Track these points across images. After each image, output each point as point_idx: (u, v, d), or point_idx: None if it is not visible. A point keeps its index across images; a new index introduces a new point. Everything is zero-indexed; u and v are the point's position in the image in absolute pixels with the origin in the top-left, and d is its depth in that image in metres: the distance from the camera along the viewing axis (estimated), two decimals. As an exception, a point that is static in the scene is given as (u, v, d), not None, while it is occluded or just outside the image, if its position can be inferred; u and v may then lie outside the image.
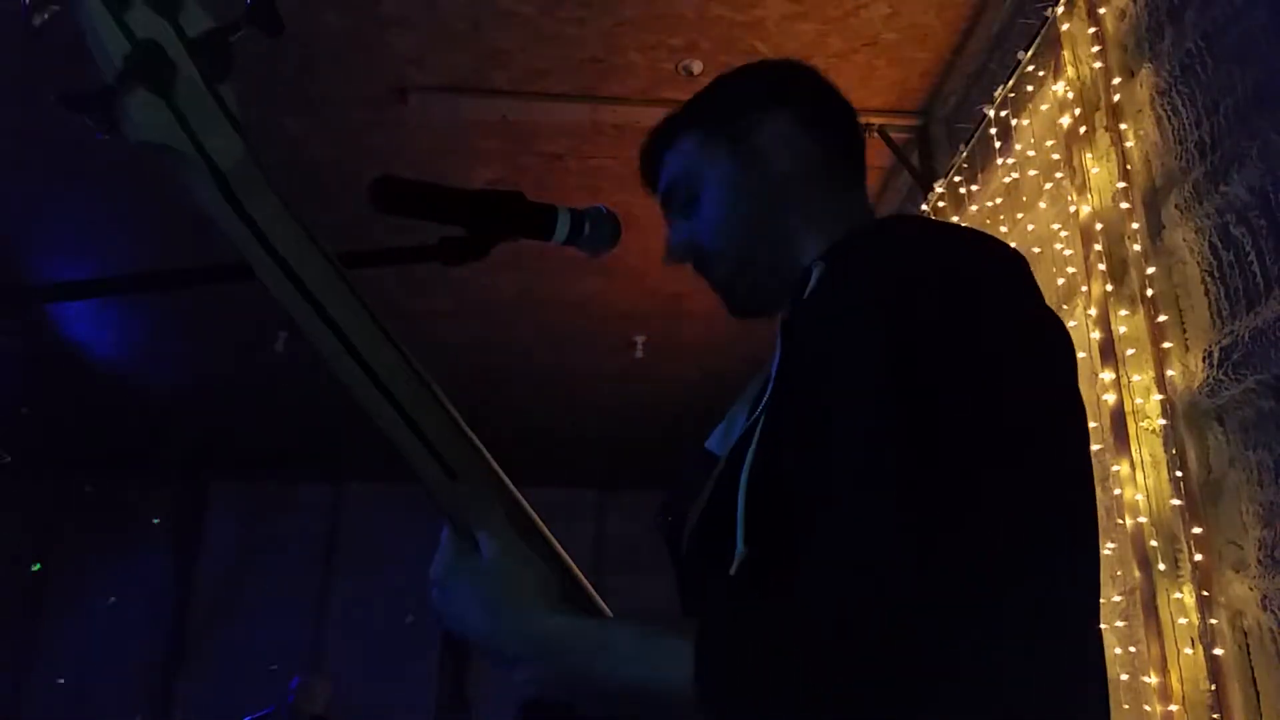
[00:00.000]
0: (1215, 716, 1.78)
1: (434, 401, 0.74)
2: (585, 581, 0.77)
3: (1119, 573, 2.20)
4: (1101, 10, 2.34)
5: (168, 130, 0.65)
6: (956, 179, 3.13)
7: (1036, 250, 2.68)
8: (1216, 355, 1.91)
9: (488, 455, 0.76)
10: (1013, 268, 0.77)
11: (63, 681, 6.41)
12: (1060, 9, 2.46)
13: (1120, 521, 2.11)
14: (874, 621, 0.59)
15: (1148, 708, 1.98)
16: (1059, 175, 2.53)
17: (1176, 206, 2.07)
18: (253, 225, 0.67)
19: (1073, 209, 2.38)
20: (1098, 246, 2.24)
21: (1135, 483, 2.04)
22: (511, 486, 0.77)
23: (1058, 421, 0.73)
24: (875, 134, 3.53)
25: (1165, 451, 2.02)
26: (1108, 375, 2.14)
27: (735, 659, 0.61)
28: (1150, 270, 2.09)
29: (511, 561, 0.73)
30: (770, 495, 0.73)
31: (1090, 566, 0.76)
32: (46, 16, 0.63)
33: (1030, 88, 2.67)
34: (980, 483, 0.64)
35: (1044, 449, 0.70)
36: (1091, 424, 2.33)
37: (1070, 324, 2.46)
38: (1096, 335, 2.21)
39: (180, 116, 0.65)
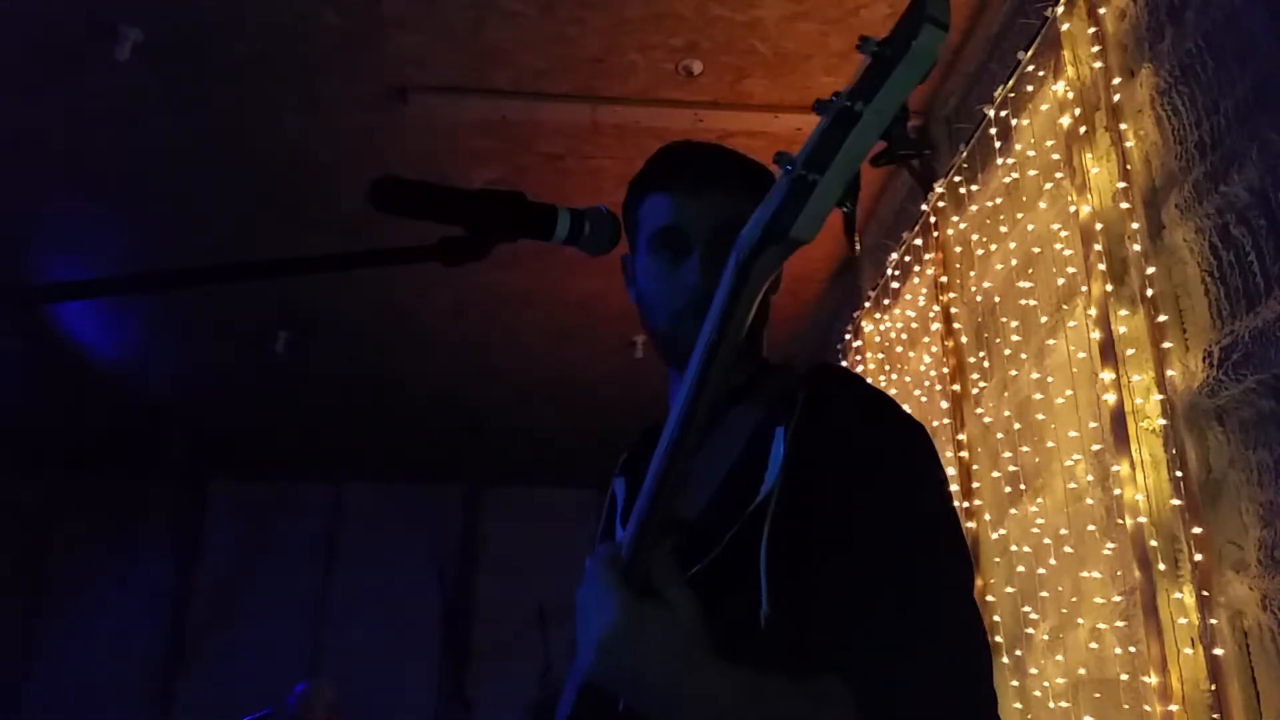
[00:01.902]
0: (1215, 716, 1.78)
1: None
2: None
3: (1119, 573, 2.20)
4: (1101, 10, 2.34)
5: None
6: (956, 179, 3.13)
7: (1036, 250, 2.68)
8: (1216, 355, 1.91)
9: None
10: None
11: (70, 680, 6.40)
12: (1060, 9, 2.46)
13: (1120, 521, 2.11)
14: (965, 685, 0.86)
15: (1148, 708, 1.98)
16: (1059, 175, 2.53)
17: (1176, 206, 2.07)
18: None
19: (1073, 209, 2.38)
20: (1098, 246, 2.24)
21: (1135, 483, 2.04)
22: None
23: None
24: (875, 134, 3.52)
25: (1165, 451, 2.02)
26: (1108, 375, 2.14)
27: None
28: (1150, 270, 2.09)
29: (703, 623, 0.81)
30: (785, 567, 0.90)
31: None
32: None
33: (1030, 88, 2.67)
34: (960, 568, 0.94)
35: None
36: (1091, 424, 2.33)
37: (1070, 324, 2.46)
38: (1096, 335, 2.21)
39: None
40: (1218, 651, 1.81)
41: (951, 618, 0.88)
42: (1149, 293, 2.08)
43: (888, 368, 3.92)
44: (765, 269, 0.76)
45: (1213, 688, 1.79)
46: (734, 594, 0.91)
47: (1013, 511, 2.79)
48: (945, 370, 3.22)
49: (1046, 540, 2.53)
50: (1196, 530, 1.88)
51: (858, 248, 0.77)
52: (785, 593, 0.90)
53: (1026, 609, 2.61)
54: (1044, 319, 2.63)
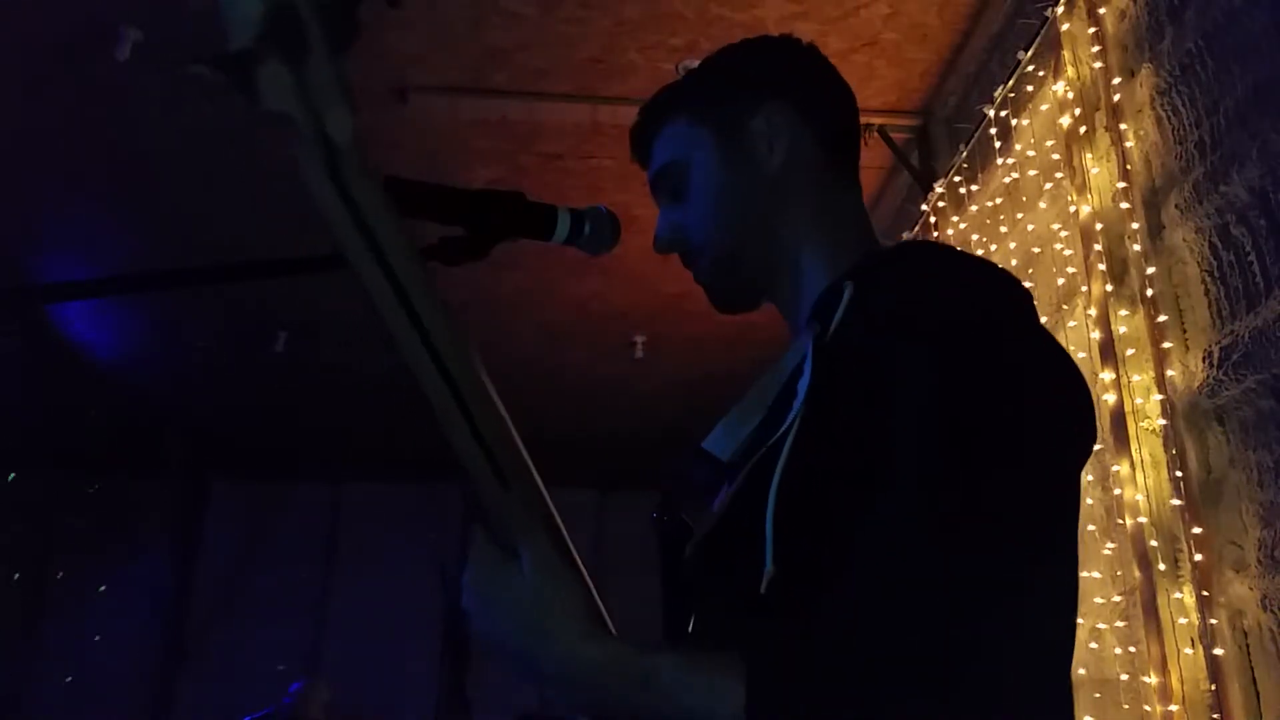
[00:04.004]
0: (1215, 716, 1.78)
1: (493, 406, 0.72)
2: (597, 596, 0.77)
3: (1119, 573, 2.20)
4: (1101, 10, 2.34)
5: (292, 99, 0.61)
6: (956, 179, 3.12)
7: (1036, 250, 2.68)
8: (1216, 355, 1.91)
9: (532, 467, 0.75)
10: (1030, 305, 0.80)
11: (70, 680, 6.41)
12: (1060, 9, 2.46)
13: (1120, 521, 2.11)
14: (907, 662, 0.64)
15: (1148, 708, 1.98)
16: (1059, 175, 2.53)
17: (1176, 206, 2.07)
18: (353, 207, 0.64)
19: (1073, 209, 2.38)
20: (1098, 246, 2.24)
21: (1135, 483, 2.04)
22: (548, 500, 0.77)
23: (1070, 463, 0.77)
24: (875, 134, 3.53)
25: (1165, 451, 2.02)
26: (1108, 375, 2.14)
27: (785, 697, 0.64)
28: (1150, 270, 2.09)
29: (555, 581, 0.72)
30: (799, 517, 0.74)
31: (1075, 588, 0.80)
32: None
33: (1030, 88, 2.67)
34: (1011, 534, 0.69)
35: (1059, 494, 0.75)
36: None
37: (1070, 324, 2.46)
38: (1096, 335, 2.21)
39: (304, 86, 0.61)
40: (1218, 651, 1.81)
41: (942, 620, 0.65)
42: (1149, 293, 2.08)
43: (888, 368, 3.91)
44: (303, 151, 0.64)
45: (1213, 688, 1.79)
46: (740, 551, 0.77)
47: (1013, 511, 2.79)
48: (945, 370, 3.21)
49: (1046, 540, 2.53)
50: (1196, 530, 1.88)
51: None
52: (792, 550, 0.73)
53: (1026, 609, 2.61)
54: (1044, 319, 2.63)
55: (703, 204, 0.96)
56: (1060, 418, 0.76)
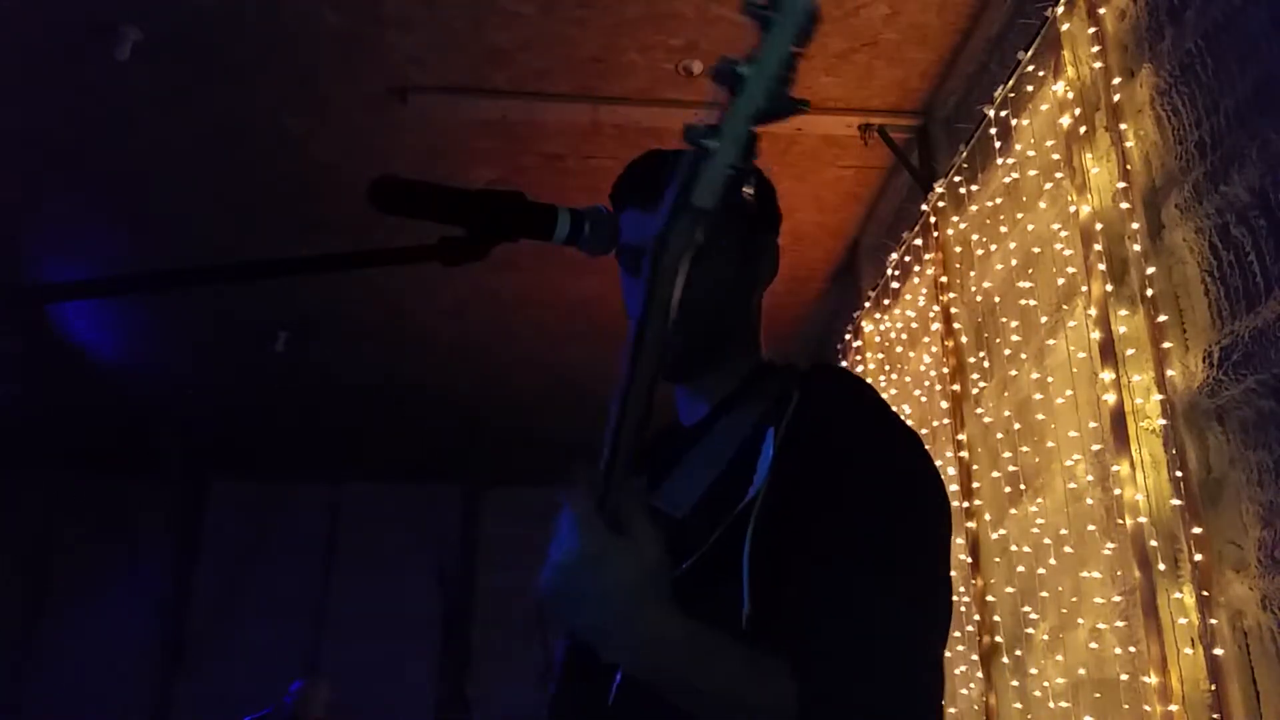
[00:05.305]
0: (1215, 716, 1.78)
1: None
2: None
3: (1119, 573, 2.20)
4: (1101, 10, 2.34)
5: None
6: (956, 179, 3.13)
7: (1036, 250, 2.69)
8: (1216, 355, 1.91)
9: None
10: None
11: (70, 680, 6.40)
12: (1060, 9, 2.46)
13: (1120, 521, 2.11)
14: (898, 674, 0.88)
15: (1148, 708, 1.98)
16: (1059, 175, 2.53)
17: (1176, 206, 2.07)
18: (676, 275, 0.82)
19: (1073, 209, 2.38)
20: (1098, 246, 2.24)
21: (1135, 483, 2.04)
22: None
23: (948, 540, 1.04)
24: (875, 134, 3.53)
25: (1165, 451, 2.02)
26: (1108, 375, 2.14)
27: (831, 700, 0.84)
28: (1150, 270, 2.09)
29: (662, 562, 0.82)
30: (767, 567, 0.93)
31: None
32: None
33: (1030, 88, 2.67)
34: (930, 575, 0.97)
35: (946, 555, 1.02)
36: (1091, 424, 2.33)
37: (1070, 324, 2.46)
38: (1096, 335, 2.21)
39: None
40: (1218, 651, 1.81)
41: (900, 637, 0.89)
42: (1149, 293, 2.08)
43: (888, 368, 3.92)
44: (679, 242, 0.79)
45: (1213, 688, 1.80)
46: (719, 592, 0.94)
47: (1013, 511, 2.79)
48: (945, 370, 3.22)
49: (1046, 540, 2.53)
50: (1196, 530, 1.88)
51: (748, 194, 0.79)
52: (767, 593, 0.92)
53: (1026, 609, 2.61)
54: (1044, 319, 2.63)
55: (710, 279, 1.08)
56: (942, 496, 1.04)
